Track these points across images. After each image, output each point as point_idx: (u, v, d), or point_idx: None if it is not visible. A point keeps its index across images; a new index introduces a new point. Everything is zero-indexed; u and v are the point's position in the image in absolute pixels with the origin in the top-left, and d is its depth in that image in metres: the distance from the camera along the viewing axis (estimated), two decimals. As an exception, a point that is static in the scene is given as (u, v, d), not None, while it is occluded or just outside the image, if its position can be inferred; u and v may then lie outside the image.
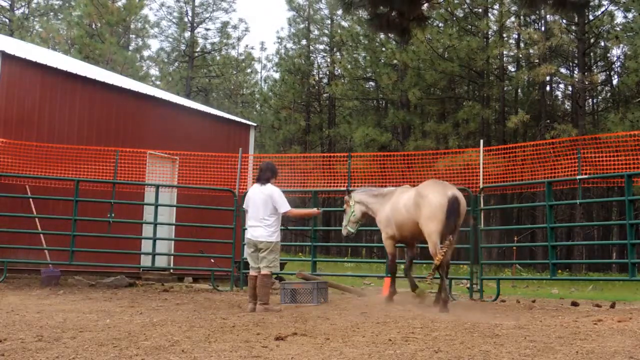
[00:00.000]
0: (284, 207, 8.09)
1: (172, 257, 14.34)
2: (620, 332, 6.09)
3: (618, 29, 27.41)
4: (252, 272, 8.15)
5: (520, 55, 29.99)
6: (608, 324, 6.80)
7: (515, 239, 22.17)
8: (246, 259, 8.49)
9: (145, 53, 41.29)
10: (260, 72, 46.63)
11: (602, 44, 29.90)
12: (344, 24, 36.21)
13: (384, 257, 11.76)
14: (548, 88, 32.75)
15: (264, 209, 8.05)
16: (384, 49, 31.71)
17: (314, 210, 9.03)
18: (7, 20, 37.11)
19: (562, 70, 31.49)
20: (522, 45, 30.11)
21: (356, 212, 9.34)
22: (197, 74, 40.21)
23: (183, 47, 40.41)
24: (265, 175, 8.21)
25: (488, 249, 18.62)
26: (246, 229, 8.37)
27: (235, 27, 41.31)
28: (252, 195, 8.25)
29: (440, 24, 29.90)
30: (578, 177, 10.56)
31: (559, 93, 35.86)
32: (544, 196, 10.83)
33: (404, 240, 9.08)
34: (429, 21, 18.19)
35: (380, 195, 9.22)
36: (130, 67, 33.29)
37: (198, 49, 40.46)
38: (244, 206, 8.48)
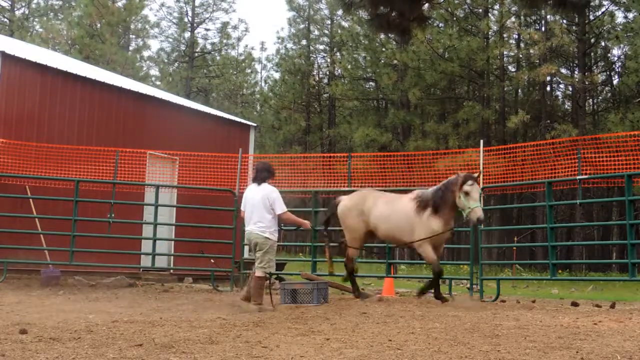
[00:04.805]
0: (281, 208, 8.10)
1: (172, 257, 14.34)
2: (620, 332, 6.09)
3: (618, 29, 27.37)
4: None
5: (521, 56, 29.96)
6: (608, 324, 6.79)
7: (515, 239, 22.14)
8: (246, 259, 8.46)
9: (146, 53, 41.28)
10: (260, 73, 46.62)
11: (603, 44, 29.85)
12: (344, 24, 36.17)
13: (384, 258, 11.77)
14: (548, 88, 32.71)
15: (262, 208, 8.07)
16: (384, 49, 31.68)
17: (307, 222, 8.84)
18: (7, 20, 37.07)
19: (563, 70, 31.46)
20: (522, 45, 30.08)
21: None
22: (197, 74, 40.17)
23: (183, 47, 40.38)
24: (261, 175, 8.23)
25: (488, 249, 18.62)
26: (246, 230, 8.34)
27: (235, 28, 41.23)
28: (249, 195, 8.22)
29: (441, 24, 29.88)
30: (578, 177, 10.55)
31: (559, 93, 35.81)
32: (544, 196, 10.81)
33: None
34: (429, 21, 18.18)
35: None
36: (131, 67, 33.30)
37: (198, 49, 40.43)
38: (242, 207, 8.46)
